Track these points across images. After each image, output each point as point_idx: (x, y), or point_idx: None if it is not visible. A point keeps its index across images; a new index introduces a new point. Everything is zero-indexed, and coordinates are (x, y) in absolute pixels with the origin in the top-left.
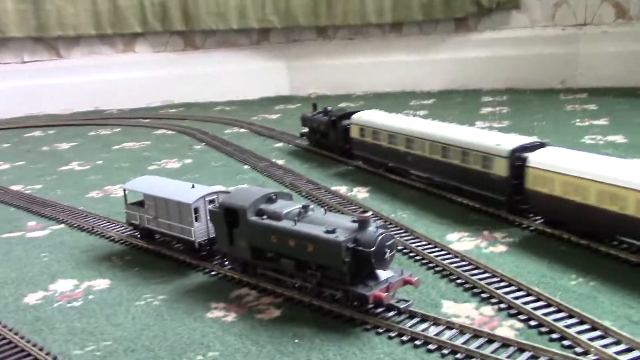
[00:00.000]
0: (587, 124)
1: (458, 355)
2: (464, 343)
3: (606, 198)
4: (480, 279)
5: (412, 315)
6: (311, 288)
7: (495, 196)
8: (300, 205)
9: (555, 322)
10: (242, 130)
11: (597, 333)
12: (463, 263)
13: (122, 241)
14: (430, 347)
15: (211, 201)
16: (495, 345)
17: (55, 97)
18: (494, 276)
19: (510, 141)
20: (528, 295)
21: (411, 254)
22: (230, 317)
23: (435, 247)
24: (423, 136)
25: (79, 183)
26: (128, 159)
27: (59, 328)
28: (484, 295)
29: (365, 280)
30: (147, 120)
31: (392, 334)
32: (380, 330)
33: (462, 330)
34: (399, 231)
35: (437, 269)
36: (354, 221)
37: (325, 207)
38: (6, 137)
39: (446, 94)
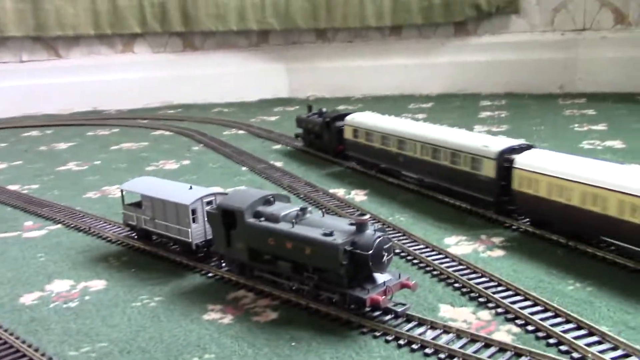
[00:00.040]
0: (585, 129)
1: None
2: (460, 347)
3: (589, 199)
4: (478, 283)
5: (409, 319)
6: (308, 291)
7: (484, 197)
8: (298, 208)
9: (552, 327)
10: (241, 131)
11: (594, 338)
12: (460, 267)
13: (119, 242)
14: (427, 351)
15: (209, 203)
16: (492, 349)
17: (53, 97)
18: (491, 280)
19: (498, 143)
20: (525, 300)
21: (409, 258)
22: (227, 319)
23: (432, 250)
24: (414, 138)
25: (76, 183)
26: (126, 159)
27: (54, 329)
28: (481, 299)
29: (363, 283)
30: (145, 121)
31: (389, 338)
32: (377, 334)
33: (459, 334)
34: (397, 234)
35: (435, 272)
36: (351, 224)
37: (323, 210)
38: (4, 137)
39: (445, 98)
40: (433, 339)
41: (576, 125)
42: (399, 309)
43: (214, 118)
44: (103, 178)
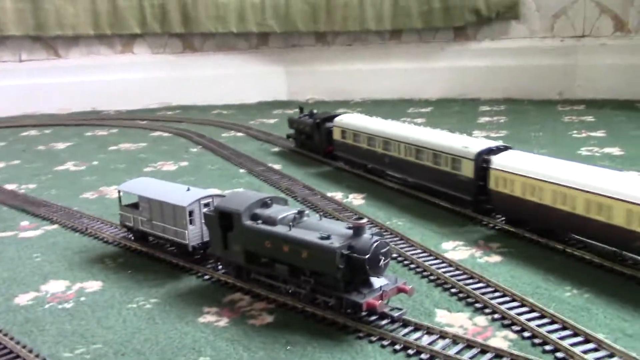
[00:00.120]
0: (584, 135)
1: None
2: (457, 353)
3: (559, 198)
4: (475, 289)
5: (405, 323)
6: (305, 294)
7: (463, 196)
8: (296, 211)
9: (549, 333)
10: (239, 134)
11: (591, 345)
12: (457, 272)
13: (115, 243)
14: (423, 356)
15: (206, 204)
16: (489, 355)
17: (52, 97)
18: (488, 286)
19: (477, 144)
20: (522, 306)
21: (406, 262)
22: (223, 322)
23: (430, 255)
24: (398, 139)
25: (74, 183)
26: (124, 160)
27: (49, 330)
28: (477, 305)
29: (359, 287)
30: (144, 122)
31: (385, 343)
32: (373, 339)
33: (455, 340)
34: (394, 239)
35: (432, 277)
36: (349, 228)
37: (321, 213)
38: (2, 136)
39: (444, 103)
40: (429, 344)
41: (575, 131)
42: (396, 314)
43: (213, 120)
44: (101, 178)
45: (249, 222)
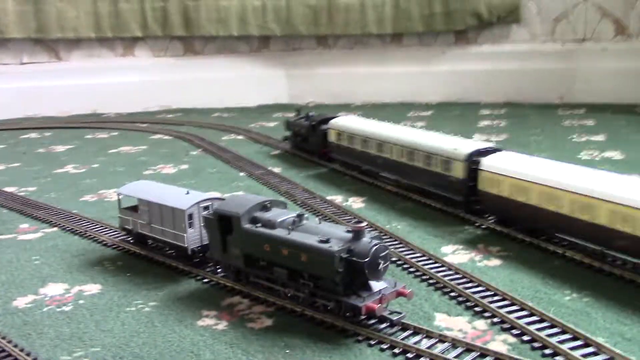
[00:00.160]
0: (584, 139)
1: None
2: (456, 357)
3: (545, 199)
4: (474, 293)
5: (404, 327)
6: (304, 298)
7: (454, 197)
8: (295, 214)
9: (548, 337)
10: (240, 137)
11: (590, 349)
12: (457, 276)
13: (114, 246)
14: None
15: (205, 208)
16: (488, 359)
17: (53, 100)
18: (487, 290)
19: (467, 146)
20: (521, 309)
21: (405, 266)
22: (222, 325)
23: (429, 259)
24: (391, 141)
25: (73, 186)
26: (124, 163)
27: (47, 333)
28: (477, 308)
29: (358, 291)
30: (144, 125)
31: (384, 346)
32: (372, 342)
33: (455, 343)
34: (394, 242)
35: (431, 281)
36: (348, 231)
37: (320, 217)
38: (2, 138)
39: (445, 106)
40: (428, 348)
41: (575, 135)
42: (395, 318)
43: (213, 123)
44: (100, 181)
45: (248, 226)
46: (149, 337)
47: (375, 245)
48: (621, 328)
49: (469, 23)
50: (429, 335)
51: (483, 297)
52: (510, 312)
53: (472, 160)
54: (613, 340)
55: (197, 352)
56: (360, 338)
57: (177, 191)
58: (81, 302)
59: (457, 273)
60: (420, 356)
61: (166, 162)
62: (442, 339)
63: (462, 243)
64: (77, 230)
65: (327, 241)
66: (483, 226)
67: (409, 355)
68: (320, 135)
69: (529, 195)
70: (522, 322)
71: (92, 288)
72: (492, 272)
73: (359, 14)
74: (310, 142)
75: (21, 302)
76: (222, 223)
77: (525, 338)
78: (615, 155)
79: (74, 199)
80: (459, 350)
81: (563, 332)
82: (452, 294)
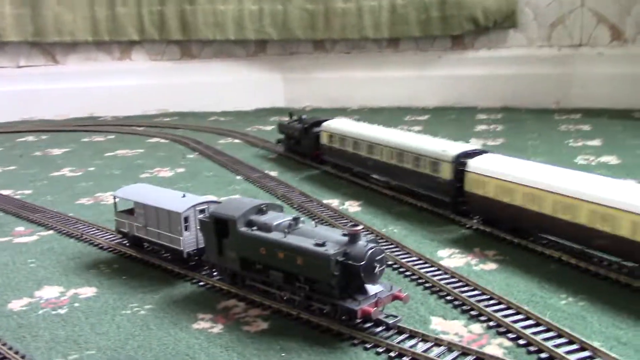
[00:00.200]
0: (580, 144)
1: None
2: None
3: (528, 199)
4: (470, 296)
5: (400, 331)
6: (299, 301)
7: (442, 198)
8: (291, 217)
9: (544, 341)
10: (236, 140)
11: (586, 353)
12: (453, 280)
13: (110, 249)
14: None
15: (202, 211)
16: None
17: (50, 103)
18: (483, 294)
19: (455, 148)
20: (517, 313)
21: (401, 270)
22: (217, 328)
23: (425, 263)
24: (382, 143)
25: (69, 189)
26: (120, 166)
27: (42, 336)
28: (473, 312)
29: (354, 294)
30: (141, 128)
31: (380, 350)
32: (368, 346)
33: (451, 347)
34: (390, 246)
35: (427, 285)
36: (344, 235)
37: (317, 220)
38: None
39: (441, 111)
40: (424, 351)
41: (571, 140)
42: (390, 321)
43: (210, 126)
44: (97, 184)
45: (244, 229)
46: (144, 340)
47: (371, 248)
48: (617, 332)
49: (466, 28)
50: (424, 339)
51: (479, 301)
52: (506, 316)
53: (459, 162)
54: (609, 344)
55: (192, 355)
56: (355, 342)
57: (173, 194)
58: (76, 305)
59: (453, 277)
60: None
61: (163, 165)
62: (437, 342)
63: (458, 247)
64: (73, 233)
65: (323, 244)
66: (479, 229)
67: (405, 358)
68: (313, 138)
69: (513, 196)
70: (518, 326)
71: (88, 291)
72: (488, 276)
73: (355, 18)
74: (302, 144)
75: (16, 304)
76: (218, 226)
77: (521, 342)
78: (612, 160)
79: (70, 202)
80: (455, 354)
81: (559, 336)
82: (448, 297)
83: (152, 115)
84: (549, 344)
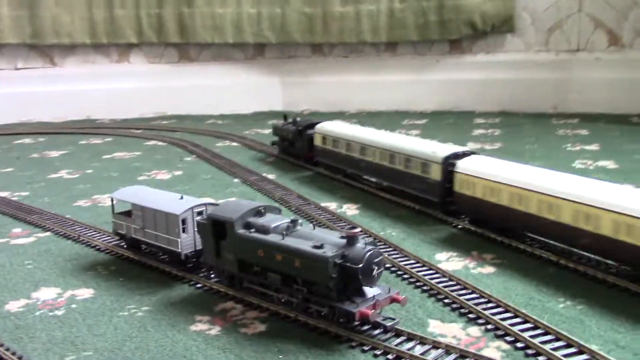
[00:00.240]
0: (578, 148)
1: None
2: None
3: (515, 199)
4: (468, 299)
5: (398, 333)
6: (297, 303)
7: (431, 198)
8: (289, 220)
9: (542, 344)
10: (234, 143)
11: (584, 357)
12: (451, 283)
13: (107, 251)
14: None
15: (199, 213)
16: None
17: (47, 105)
18: (481, 297)
19: (444, 149)
20: (515, 317)
21: (399, 273)
22: (215, 330)
23: (423, 266)
24: (373, 145)
25: (67, 191)
26: (118, 168)
27: (39, 337)
28: (471, 315)
29: (352, 296)
30: (139, 131)
31: (378, 352)
32: (366, 348)
33: (449, 350)
34: (388, 249)
35: (425, 288)
36: (342, 237)
37: (314, 223)
38: None
39: (439, 115)
40: (422, 354)
41: (569, 144)
42: (388, 324)
43: (208, 129)
44: (94, 187)
45: (242, 231)
46: (141, 341)
47: (370, 251)
48: (615, 336)
49: (464, 32)
50: (422, 341)
51: (477, 304)
52: (504, 319)
53: (449, 163)
54: (607, 348)
55: (190, 357)
56: (353, 344)
57: (171, 196)
58: (74, 306)
59: (451, 280)
60: None
61: (160, 168)
62: (435, 345)
63: (455, 250)
64: (70, 235)
65: (321, 247)
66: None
67: None
68: (307, 140)
69: (500, 196)
70: (516, 329)
71: (85, 292)
72: (486, 279)
73: (354, 22)
74: (296, 146)
75: (13, 305)
76: (215, 228)
77: (519, 345)
78: (609, 164)
79: (67, 204)
80: (453, 356)
81: (557, 339)
82: (446, 300)
83: (150, 118)
84: (547, 347)
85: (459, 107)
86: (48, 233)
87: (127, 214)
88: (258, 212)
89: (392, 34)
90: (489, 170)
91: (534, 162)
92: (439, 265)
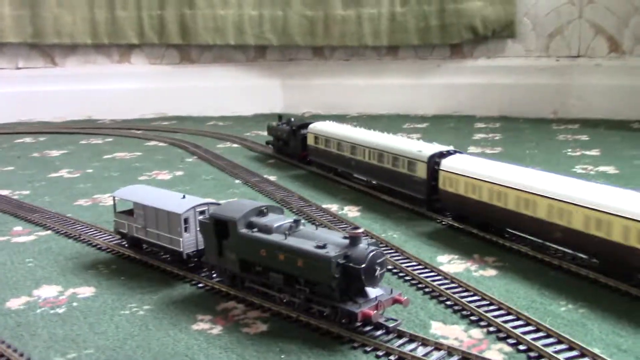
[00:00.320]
0: (578, 154)
1: None
2: None
3: (495, 196)
4: (470, 302)
5: (400, 334)
6: (299, 303)
7: (418, 195)
8: (292, 220)
9: (544, 347)
10: (235, 145)
11: None
12: (453, 285)
13: (109, 250)
14: None
15: (201, 212)
16: None
17: (48, 105)
18: (483, 299)
19: (430, 148)
20: (517, 319)
21: (401, 274)
22: (216, 329)
23: (425, 268)
24: (363, 144)
25: (67, 190)
26: (118, 168)
27: (40, 334)
28: (473, 317)
29: (355, 297)
30: (139, 132)
31: (380, 353)
32: (368, 349)
33: (451, 351)
34: (390, 251)
35: (427, 289)
36: (345, 237)
37: (316, 223)
38: None
39: (440, 119)
40: (424, 355)
41: (569, 150)
42: (391, 325)
43: (209, 131)
44: (95, 186)
45: (244, 230)
46: (143, 340)
47: (372, 251)
48: (617, 339)
49: (465, 37)
50: (424, 343)
51: (479, 307)
52: (506, 322)
53: (434, 162)
54: (609, 352)
55: (191, 356)
56: (356, 345)
57: (173, 195)
58: (75, 304)
59: (452, 282)
60: None
61: (161, 168)
62: (437, 347)
63: (457, 253)
64: (71, 234)
65: (323, 247)
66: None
67: None
68: (300, 140)
69: (481, 192)
70: (518, 331)
71: (86, 291)
72: (487, 282)
73: (355, 25)
74: (290, 146)
75: (14, 303)
76: (218, 228)
77: (521, 347)
78: (610, 169)
79: (68, 203)
80: (455, 358)
81: (559, 342)
82: (448, 302)
83: (151, 118)
84: (550, 349)
85: (460, 111)
86: (49, 231)
87: (129, 213)
88: (260, 212)
89: (393, 37)
90: (470, 168)
91: (535, 166)
92: (441, 268)
